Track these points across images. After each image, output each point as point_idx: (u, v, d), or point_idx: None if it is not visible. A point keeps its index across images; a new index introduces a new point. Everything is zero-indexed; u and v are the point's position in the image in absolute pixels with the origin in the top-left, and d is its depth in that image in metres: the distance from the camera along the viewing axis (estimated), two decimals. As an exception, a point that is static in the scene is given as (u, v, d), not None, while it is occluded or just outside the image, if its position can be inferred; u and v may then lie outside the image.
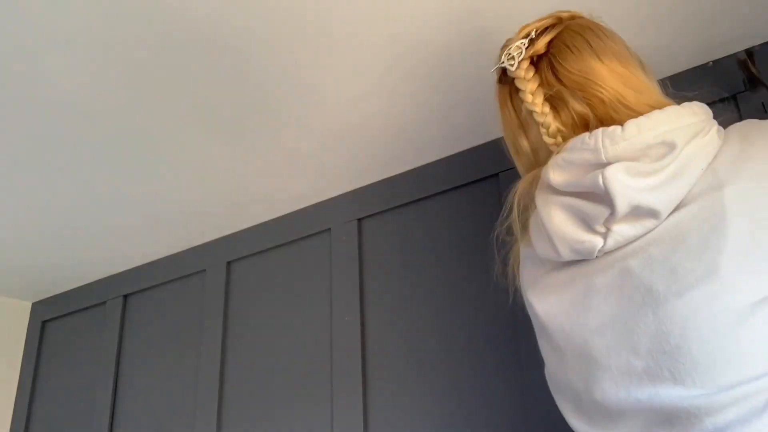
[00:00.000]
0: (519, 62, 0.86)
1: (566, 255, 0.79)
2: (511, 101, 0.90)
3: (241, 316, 1.86)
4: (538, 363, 1.32)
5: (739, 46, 1.29)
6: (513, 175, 1.48)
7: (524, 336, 1.36)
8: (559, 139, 0.83)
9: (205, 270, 1.97)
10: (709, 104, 1.30)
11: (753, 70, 1.24)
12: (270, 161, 1.59)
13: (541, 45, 0.87)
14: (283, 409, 1.67)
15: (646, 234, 0.74)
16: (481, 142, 1.55)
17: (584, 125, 0.81)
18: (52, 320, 2.32)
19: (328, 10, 1.14)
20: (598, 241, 0.76)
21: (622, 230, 0.74)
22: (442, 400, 1.44)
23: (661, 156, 0.72)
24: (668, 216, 0.73)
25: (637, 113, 0.77)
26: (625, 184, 0.71)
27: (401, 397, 1.49)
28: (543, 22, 0.89)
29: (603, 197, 0.73)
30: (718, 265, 0.68)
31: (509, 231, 0.93)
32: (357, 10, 1.15)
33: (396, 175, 1.67)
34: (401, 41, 1.23)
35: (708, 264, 0.68)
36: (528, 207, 0.88)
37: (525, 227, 0.89)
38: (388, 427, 1.49)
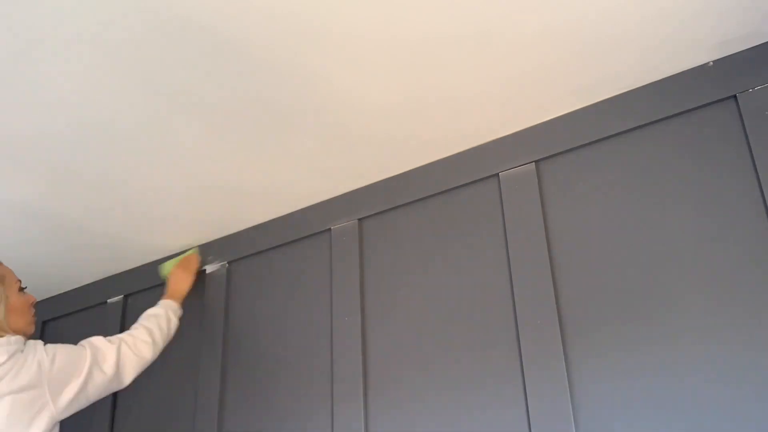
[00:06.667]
0: None
1: None
2: None
3: (241, 316, 1.86)
4: (539, 360, 1.33)
5: (739, 46, 1.29)
6: (516, 174, 1.48)
7: (525, 334, 1.36)
8: None
9: (205, 270, 1.97)
10: (709, 104, 1.31)
11: None
12: (270, 161, 1.59)
13: None
14: (283, 410, 1.67)
15: None
16: (482, 142, 1.55)
17: None
18: (53, 320, 2.32)
19: (331, 10, 1.14)
20: None
21: None
22: (443, 401, 1.44)
23: None
24: None
25: None
26: None
27: (402, 398, 1.49)
28: None
29: None
30: None
31: None
32: (359, 10, 1.15)
33: (396, 175, 1.68)
34: (404, 40, 1.23)
35: None
36: None
37: None
38: (388, 428, 1.49)
